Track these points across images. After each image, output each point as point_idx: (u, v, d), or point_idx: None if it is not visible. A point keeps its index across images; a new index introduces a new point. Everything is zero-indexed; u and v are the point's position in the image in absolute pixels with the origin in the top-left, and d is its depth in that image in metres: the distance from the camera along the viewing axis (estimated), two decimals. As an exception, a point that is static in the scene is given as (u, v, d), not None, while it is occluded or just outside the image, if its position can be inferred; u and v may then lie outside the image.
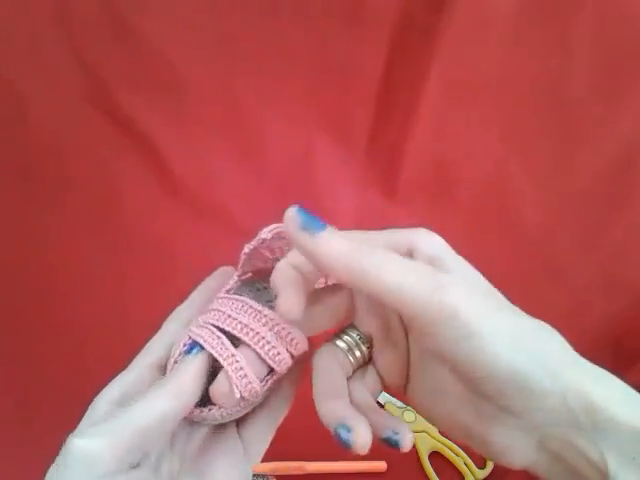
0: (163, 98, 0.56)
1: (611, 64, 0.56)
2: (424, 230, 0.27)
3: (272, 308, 0.29)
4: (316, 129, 0.60)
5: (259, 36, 0.55)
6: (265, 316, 0.27)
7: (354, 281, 0.23)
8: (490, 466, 0.49)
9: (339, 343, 0.28)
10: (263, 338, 0.27)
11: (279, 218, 0.66)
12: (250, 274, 0.31)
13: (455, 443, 0.50)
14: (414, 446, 0.50)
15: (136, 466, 0.25)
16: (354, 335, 0.28)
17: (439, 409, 0.27)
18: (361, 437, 0.23)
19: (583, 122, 0.58)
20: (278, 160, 0.60)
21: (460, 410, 0.25)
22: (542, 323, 0.25)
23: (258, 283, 0.32)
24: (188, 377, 0.26)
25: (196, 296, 0.31)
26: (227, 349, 0.26)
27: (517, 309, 0.25)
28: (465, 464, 0.49)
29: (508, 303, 0.25)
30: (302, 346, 0.28)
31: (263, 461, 0.46)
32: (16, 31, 0.52)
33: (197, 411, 0.27)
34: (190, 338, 0.27)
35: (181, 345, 0.27)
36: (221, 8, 0.53)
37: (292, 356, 0.28)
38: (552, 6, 0.55)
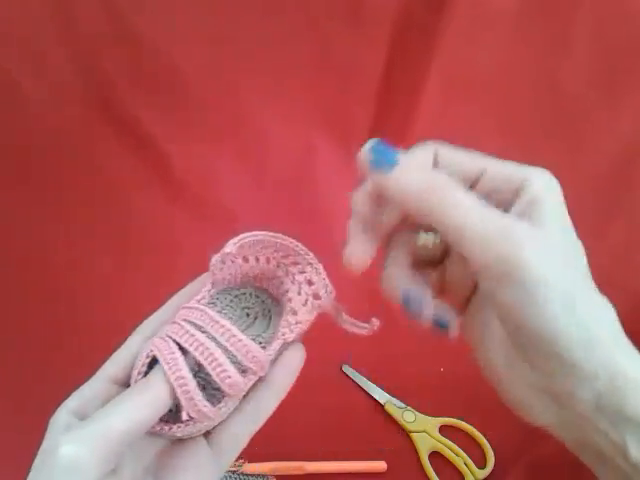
0: (163, 98, 0.56)
1: (610, 62, 0.56)
2: (540, 171, 0.26)
3: (248, 315, 0.31)
4: (316, 129, 0.60)
5: (259, 36, 0.55)
6: (222, 326, 0.27)
7: (422, 219, 0.24)
8: (490, 466, 0.49)
9: (417, 231, 0.28)
10: (215, 360, 0.26)
11: (279, 218, 0.66)
12: (227, 281, 0.31)
13: (455, 443, 0.50)
14: (414, 446, 0.50)
15: (111, 473, 0.24)
16: (434, 234, 0.28)
17: (482, 344, 0.27)
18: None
19: (583, 120, 0.58)
20: (278, 160, 0.60)
21: (498, 353, 0.26)
22: (602, 299, 0.25)
23: (235, 289, 0.32)
24: (165, 387, 0.25)
25: (169, 305, 0.31)
26: (179, 369, 0.25)
27: (587, 281, 0.25)
28: (465, 464, 0.49)
29: (582, 272, 0.25)
30: (258, 358, 0.27)
31: (263, 461, 0.46)
32: (16, 31, 0.51)
33: (165, 427, 0.27)
34: (151, 350, 0.27)
35: (144, 356, 0.27)
36: (221, 8, 0.53)
37: (251, 371, 0.27)
38: (551, 4, 0.55)
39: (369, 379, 0.53)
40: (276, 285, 0.32)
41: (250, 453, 0.47)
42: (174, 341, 0.27)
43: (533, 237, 0.23)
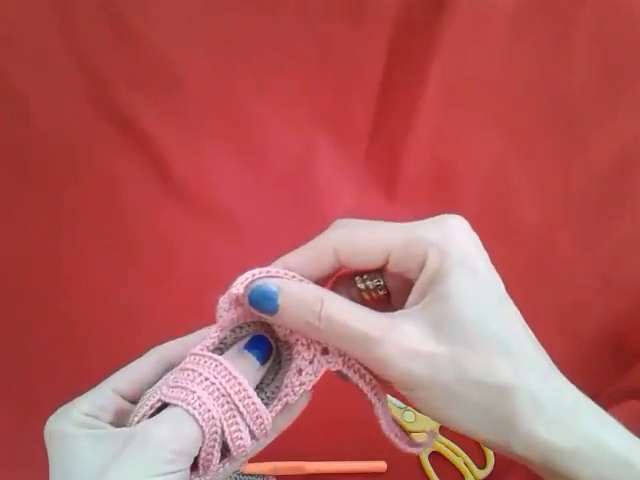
0: (163, 98, 0.56)
1: (611, 63, 0.56)
2: (437, 238, 0.25)
3: None
4: (316, 129, 0.60)
5: (259, 36, 0.55)
6: (240, 384, 0.26)
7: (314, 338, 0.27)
8: (490, 466, 0.49)
9: (358, 280, 0.28)
10: (236, 423, 0.26)
11: (278, 217, 0.66)
12: (235, 320, 0.29)
13: (455, 443, 0.50)
14: (414, 446, 0.50)
15: None
16: (376, 278, 0.28)
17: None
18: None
19: (583, 122, 0.58)
20: (278, 160, 0.60)
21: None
22: (502, 384, 0.24)
23: (245, 329, 0.30)
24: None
25: (195, 334, 0.30)
26: (212, 418, 0.25)
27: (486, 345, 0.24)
28: (465, 464, 0.49)
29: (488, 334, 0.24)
30: (265, 426, 0.27)
31: (263, 461, 0.46)
32: (16, 31, 0.52)
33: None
34: (160, 400, 0.26)
35: (148, 406, 0.26)
36: (221, 8, 0.53)
37: (253, 434, 0.27)
38: (552, 6, 0.55)
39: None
40: (283, 332, 0.29)
41: (250, 453, 0.47)
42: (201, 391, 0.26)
43: (395, 334, 0.24)
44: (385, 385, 0.28)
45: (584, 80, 0.57)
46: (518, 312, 0.26)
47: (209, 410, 0.25)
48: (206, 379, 0.26)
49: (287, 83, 0.57)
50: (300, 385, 0.28)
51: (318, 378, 0.28)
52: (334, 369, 0.28)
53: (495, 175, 0.61)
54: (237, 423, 0.25)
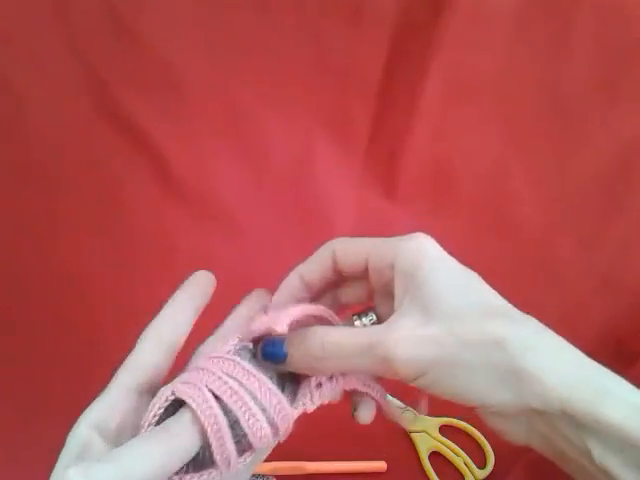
0: (163, 98, 0.56)
1: (611, 63, 0.56)
2: (405, 241, 0.28)
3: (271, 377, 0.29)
4: (316, 129, 0.60)
5: (259, 36, 0.55)
6: (258, 380, 0.27)
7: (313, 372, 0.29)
8: (490, 466, 0.49)
9: (354, 318, 0.31)
10: (249, 409, 0.26)
11: (278, 217, 0.65)
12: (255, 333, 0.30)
13: (455, 443, 0.50)
14: (414, 446, 0.50)
15: None
16: (369, 315, 0.31)
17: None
18: None
19: (583, 121, 0.58)
20: (278, 160, 0.60)
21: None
22: (495, 338, 0.25)
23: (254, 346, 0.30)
24: (193, 437, 0.25)
25: (177, 304, 0.31)
26: (215, 415, 0.25)
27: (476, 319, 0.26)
28: (465, 464, 0.49)
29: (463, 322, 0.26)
30: (287, 418, 0.27)
31: (263, 461, 0.46)
32: (16, 31, 0.51)
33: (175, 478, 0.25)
34: (173, 394, 0.26)
35: (163, 399, 0.26)
36: (221, 9, 0.53)
37: (275, 426, 0.27)
38: (552, 6, 0.55)
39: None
40: None
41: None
42: (207, 388, 0.26)
43: (393, 333, 0.26)
44: None
45: (584, 79, 0.57)
46: (497, 293, 0.28)
47: (211, 407, 0.25)
48: (219, 378, 0.26)
49: (287, 83, 0.57)
50: (320, 397, 0.29)
51: (335, 396, 0.30)
52: (349, 389, 0.30)
53: (495, 175, 0.61)
54: (254, 415, 0.26)
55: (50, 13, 0.51)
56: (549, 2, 0.55)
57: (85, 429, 0.25)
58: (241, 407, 0.26)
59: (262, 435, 0.26)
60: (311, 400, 0.29)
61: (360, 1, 0.53)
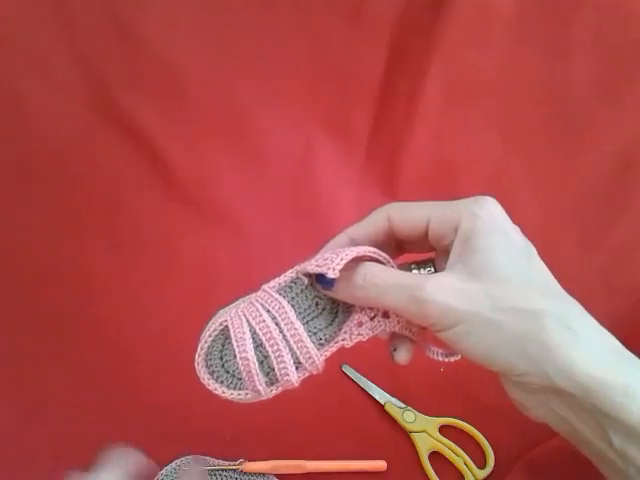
0: (163, 98, 0.56)
1: (611, 64, 0.56)
2: (473, 204, 0.29)
3: (317, 305, 0.32)
4: (316, 129, 0.60)
5: (259, 36, 0.55)
6: (294, 328, 0.30)
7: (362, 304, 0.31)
8: (490, 466, 0.49)
9: (413, 267, 0.32)
10: (281, 356, 0.30)
11: (279, 218, 0.65)
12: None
13: (455, 443, 0.50)
14: (414, 446, 0.50)
15: None
16: (428, 265, 0.32)
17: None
18: None
19: (583, 122, 0.58)
20: (278, 160, 0.60)
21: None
22: (533, 308, 0.25)
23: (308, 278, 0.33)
24: None
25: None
26: (246, 351, 0.30)
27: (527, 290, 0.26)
28: (465, 464, 0.49)
29: (514, 296, 0.26)
30: (314, 362, 0.30)
31: (263, 460, 0.47)
32: (16, 32, 0.51)
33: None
34: (225, 320, 0.31)
35: (217, 323, 0.31)
36: (221, 9, 0.53)
37: (304, 368, 0.30)
38: (552, 6, 0.55)
39: (369, 379, 0.53)
40: None
41: (250, 452, 0.47)
42: (247, 322, 0.30)
43: (434, 280, 0.27)
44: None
45: (584, 80, 0.57)
46: (549, 272, 0.29)
47: (245, 350, 0.30)
48: (263, 320, 0.30)
49: (287, 84, 0.57)
50: (358, 335, 0.31)
51: (373, 334, 0.32)
52: (390, 330, 0.32)
53: (495, 175, 0.61)
54: (284, 361, 0.30)
55: (52, 15, 0.51)
56: (549, 2, 0.55)
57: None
58: (275, 351, 0.30)
59: (288, 379, 0.30)
60: (350, 337, 0.31)
61: (360, 1, 0.53)
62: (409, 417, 0.51)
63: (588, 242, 0.60)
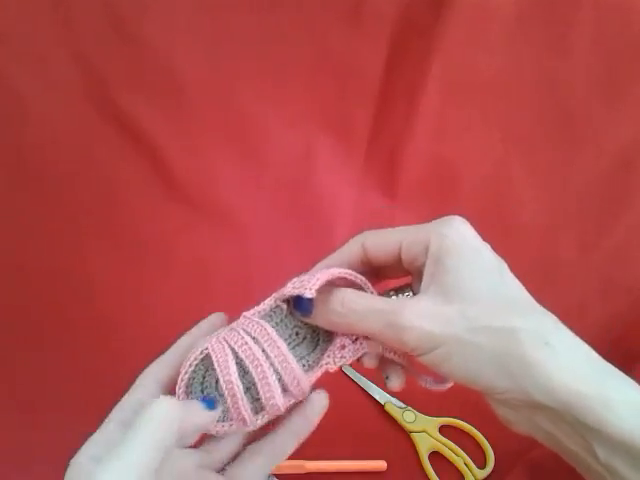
0: (163, 98, 0.56)
1: (611, 64, 0.56)
2: (441, 226, 0.29)
3: (297, 334, 0.32)
4: (316, 129, 0.60)
5: (259, 37, 0.55)
6: (278, 348, 0.29)
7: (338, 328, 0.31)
8: (490, 466, 0.49)
9: (391, 293, 0.32)
10: (266, 378, 0.29)
11: (278, 218, 0.65)
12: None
13: (455, 443, 0.50)
14: (414, 446, 0.50)
15: None
16: (406, 291, 0.32)
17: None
18: None
19: (583, 122, 0.58)
20: (278, 160, 0.60)
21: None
22: (508, 326, 0.26)
23: (286, 307, 0.32)
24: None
25: (178, 347, 0.32)
26: (230, 374, 0.29)
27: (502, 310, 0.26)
28: (465, 464, 0.49)
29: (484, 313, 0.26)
30: (299, 384, 0.30)
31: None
32: (16, 31, 0.51)
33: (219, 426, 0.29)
34: (206, 349, 0.30)
35: (198, 352, 0.30)
36: (220, 9, 0.53)
37: (291, 394, 0.30)
38: (552, 6, 0.55)
39: (369, 379, 0.53)
40: None
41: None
42: (230, 347, 0.29)
43: (410, 305, 0.28)
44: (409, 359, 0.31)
45: (584, 80, 0.57)
46: (522, 286, 0.28)
47: (230, 374, 0.29)
48: (245, 343, 0.29)
49: (287, 84, 0.57)
50: (341, 358, 0.31)
51: (355, 358, 0.32)
52: (373, 352, 0.32)
53: (495, 175, 0.61)
54: (269, 384, 0.29)
55: (52, 15, 0.51)
56: (549, 2, 0.55)
57: (87, 460, 0.26)
58: (259, 373, 0.29)
59: (273, 404, 0.29)
60: (333, 360, 0.31)
61: (360, 1, 0.53)
62: (409, 417, 0.51)
63: (588, 242, 0.60)
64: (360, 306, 0.29)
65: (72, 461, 0.26)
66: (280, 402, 0.29)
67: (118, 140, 0.56)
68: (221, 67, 0.55)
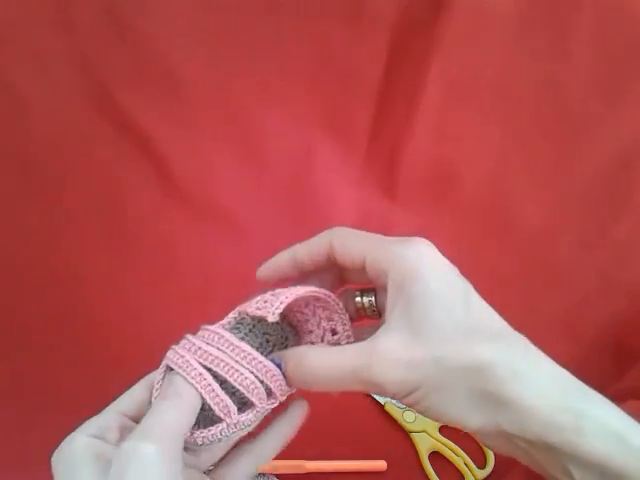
0: (163, 98, 0.56)
1: (611, 64, 0.56)
2: (400, 250, 0.28)
3: (267, 342, 0.31)
4: (316, 129, 0.60)
5: (259, 36, 0.55)
6: (243, 351, 0.28)
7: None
8: (490, 466, 0.49)
9: (357, 294, 0.32)
10: (237, 370, 0.27)
11: (278, 218, 0.66)
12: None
13: (455, 443, 0.50)
14: (414, 446, 0.50)
15: None
16: (370, 295, 0.31)
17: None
18: None
19: (583, 122, 0.58)
20: (278, 160, 0.60)
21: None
22: (478, 361, 0.25)
23: (255, 320, 0.32)
24: (192, 391, 0.27)
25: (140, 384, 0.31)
26: (203, 377, 0.27)
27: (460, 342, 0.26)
28: (465, 464, 0.49)
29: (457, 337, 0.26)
30: (276, 377, 0.28)
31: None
32: (16, 32, 0.51)
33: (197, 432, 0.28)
34: (167, 366, 0.29)
35: (161, 370, 0.29)
36: (221, 9, 0.53)
37: (269, 388, 0.28)
38: (552, 6, 0.55)
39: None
40: (299, 319, 0.32)
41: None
42: (190, 353, 0.28)
43: (379, 355, 0.27)
44: None
45: (584, 80, 0.57)
46: (488, 306, 0.28)
47: (200, 373, 0.27)
48: (199, 348, 0.28)
49: (287, 83, 0.57)
50: None
51: None
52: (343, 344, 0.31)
53: (495, 175, 0.61)
54: (239, 371, 0.27)
55: (52, 15, 0.51)
56: (549, 2, 0.55)
57: (86, 438, 0.26)
58: (224, 368, 0.27)
59: (259, 391, 0.28)
60: None
61: (360, 1, 0.53)
62: (409, 417, 0.51)
63: (588, 241, 0.60)
64: (332, 372, 0.27)
65: (72, 438, 0.27)
66: (259, 386, 0.28)
67: (118, 139, 0.57)
68: (221, 67, 0.55)
